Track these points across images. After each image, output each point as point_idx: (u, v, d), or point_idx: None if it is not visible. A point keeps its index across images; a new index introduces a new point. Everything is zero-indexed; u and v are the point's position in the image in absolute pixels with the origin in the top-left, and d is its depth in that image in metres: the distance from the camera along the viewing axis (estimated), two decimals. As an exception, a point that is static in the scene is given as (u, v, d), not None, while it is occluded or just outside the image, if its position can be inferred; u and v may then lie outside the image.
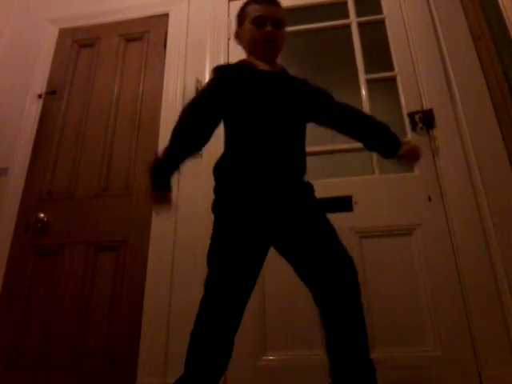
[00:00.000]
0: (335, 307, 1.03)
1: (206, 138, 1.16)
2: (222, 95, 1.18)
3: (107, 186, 2.01)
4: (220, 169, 1.17)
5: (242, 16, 1.29)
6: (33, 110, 2.21)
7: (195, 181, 1.86)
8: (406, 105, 1.87)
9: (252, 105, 1.16)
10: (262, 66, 1.24)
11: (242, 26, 1.29)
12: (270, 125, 1.14)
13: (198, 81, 2.04)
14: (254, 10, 1.23)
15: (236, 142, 1.17)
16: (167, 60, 2.19)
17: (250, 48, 1.27)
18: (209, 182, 1.92)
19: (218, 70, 1.27)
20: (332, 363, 1.03)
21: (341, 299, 1.03)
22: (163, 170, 1.12)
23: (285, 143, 1.15)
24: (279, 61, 1.33)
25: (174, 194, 1.82)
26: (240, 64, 1.26)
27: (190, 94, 1.92)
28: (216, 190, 1.17)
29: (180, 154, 1.14)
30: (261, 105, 1.16)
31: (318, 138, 1.87)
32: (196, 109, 1.16)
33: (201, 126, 1.15)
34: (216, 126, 1.18)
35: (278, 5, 1.27)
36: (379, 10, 2.11)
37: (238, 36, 1.32)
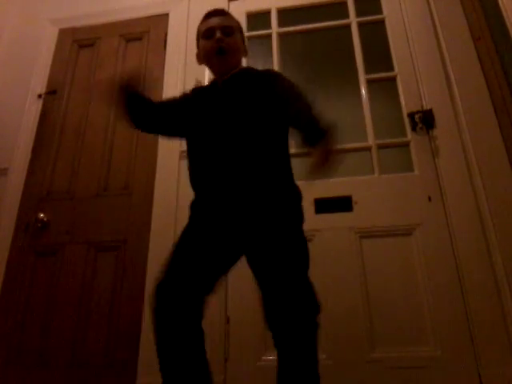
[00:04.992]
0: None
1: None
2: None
3: (107, 186, 2.01)
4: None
5: (197, 37, 1.32)
6: (33, 110, 2.21)
7: (195, 181, 1.86)
8: (406, 105, 1.87)
9: (189, 123, 1.22)
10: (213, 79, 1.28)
11: (198, 45, 1.32)
12: (203, 138, 1.16)
13: (197, 81, 2.04)
14: (203, 26, 1.27)
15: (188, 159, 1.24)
16: (167, 60, 2.19)
17: (207, 64, 1.29)
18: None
19: None
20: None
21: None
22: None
23: (226, 152, 1.10)
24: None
25: (174, 195, 1.86)
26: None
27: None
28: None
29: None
30: (194, 120, 1.20)
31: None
32: None
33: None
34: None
35: (225, 14, 1.29)
36: (379, 10, 2.11)
37: (199, 56, 1.33)
